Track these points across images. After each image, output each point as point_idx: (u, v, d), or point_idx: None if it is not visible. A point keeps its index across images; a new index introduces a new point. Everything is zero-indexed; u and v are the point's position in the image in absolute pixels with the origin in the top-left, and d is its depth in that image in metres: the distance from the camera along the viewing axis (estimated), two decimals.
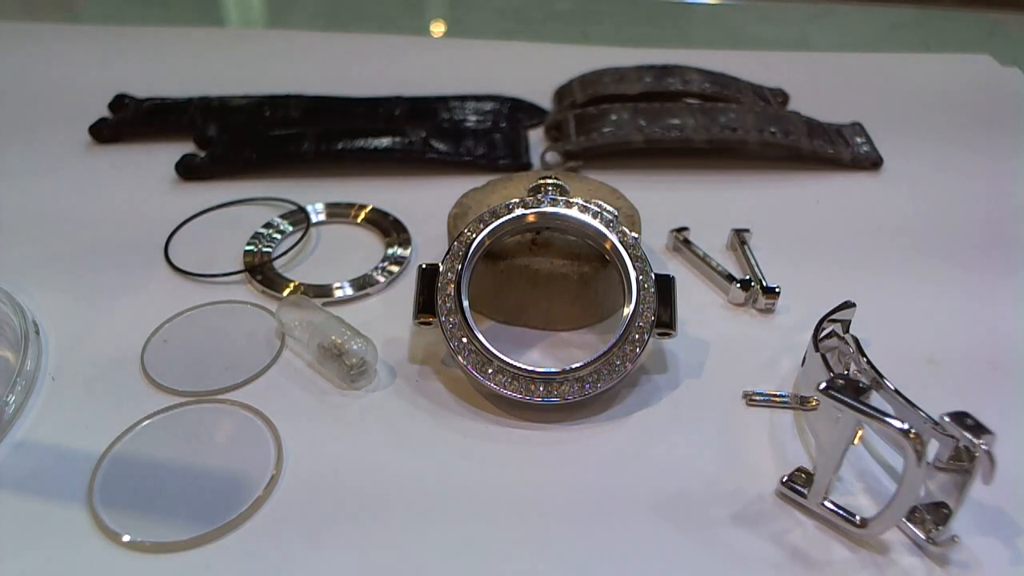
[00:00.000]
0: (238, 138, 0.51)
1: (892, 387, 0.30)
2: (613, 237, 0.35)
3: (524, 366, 0.33)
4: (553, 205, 0.36)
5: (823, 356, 0.32)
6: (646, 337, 0.34)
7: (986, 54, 0.65)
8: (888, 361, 0.32)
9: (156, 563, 0.28)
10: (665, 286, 0.35)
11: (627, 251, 0.35)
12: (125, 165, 0.50)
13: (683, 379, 0.36)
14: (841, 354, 0.33)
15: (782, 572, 0.28)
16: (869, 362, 0.31)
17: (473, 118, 0.55)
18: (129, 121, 0.54)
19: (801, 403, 0.34)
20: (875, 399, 0.30)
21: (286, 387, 0.35)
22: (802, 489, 0.30)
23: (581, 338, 0.38)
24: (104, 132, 0.53)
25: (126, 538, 0.29)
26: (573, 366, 0.33)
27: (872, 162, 0.51)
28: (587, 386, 0.33)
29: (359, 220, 0.46)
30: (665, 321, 0.34)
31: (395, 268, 0.42)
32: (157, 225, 0.45)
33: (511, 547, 0.29)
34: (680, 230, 0.43)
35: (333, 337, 0.35)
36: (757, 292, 0.39)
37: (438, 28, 0.76)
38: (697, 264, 0.42)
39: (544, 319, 0.38)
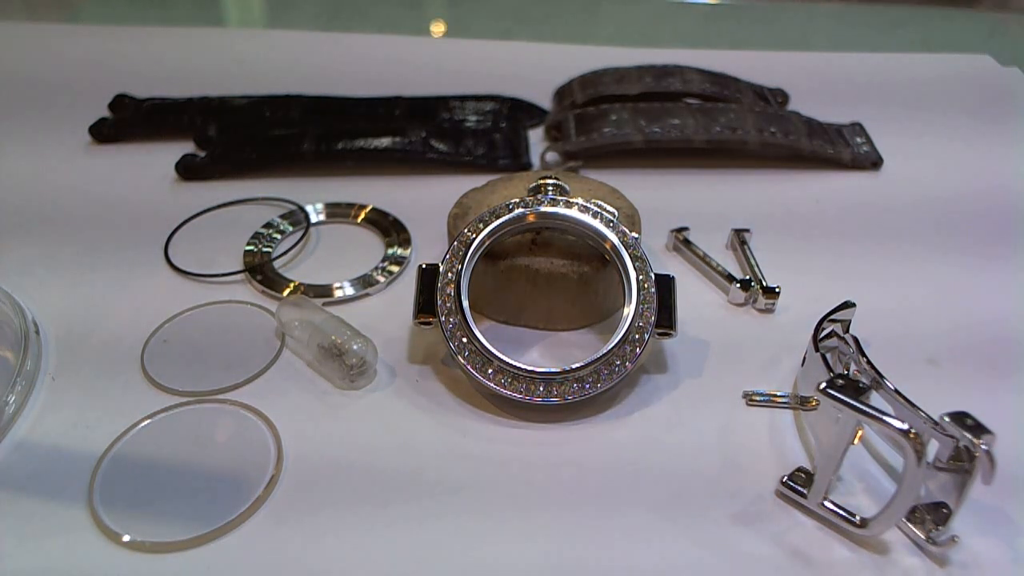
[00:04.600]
0: (238, 138, 0.51)
1: (892, 387, 0.30)
2: (613, 237, 0.35)
3: (524, 366, 0.33)
4: (553, 205, 0.36)
5: (823, 356, 0.32)
6: (646, 337, 0.34)
7: (986, 54, 0.65)
8: (888, 361, 0.32)
9: (156, 563, 0.28)
10: (665, 286, 0.35)
11: (627, 251, 0.35)
12: (125, 165, 0.50)
13: (683, 379, 0.36)
14: (841, 354, 0.33)
15: (782, 572, 0.28)
16: (869, 362, 0.31)
17: (473, 118, 0.55)
18: (129, 121, 0.54)
19: (801, 403, 0.34)
20: (875, 399, 0.30)
21: (286, 387, 0.35)
22: (802, 489, 0.30)
23: (581, 338, 0.38)
24: (104, 132, 0.53)
25: (126, 538, 0.29)
26: (573, 366, 0.33)
27: (872, 162, 0.51)
28: (587, 386, 0.33)
29: (359, 220, 0.46)
30: (665, 321, 0.34)
31: (395, 268, 0.42)
32: (157, 225, 0.45)
33: (511, 547, 0.29)
34: (680, 230, 0.43)
35: (333, 337, 0.35)
36: (757, 292, 0.39)
37: (438, 28, 0.76)
38: (697, 264, 0.42)
39: (544, 319, 0.38)
